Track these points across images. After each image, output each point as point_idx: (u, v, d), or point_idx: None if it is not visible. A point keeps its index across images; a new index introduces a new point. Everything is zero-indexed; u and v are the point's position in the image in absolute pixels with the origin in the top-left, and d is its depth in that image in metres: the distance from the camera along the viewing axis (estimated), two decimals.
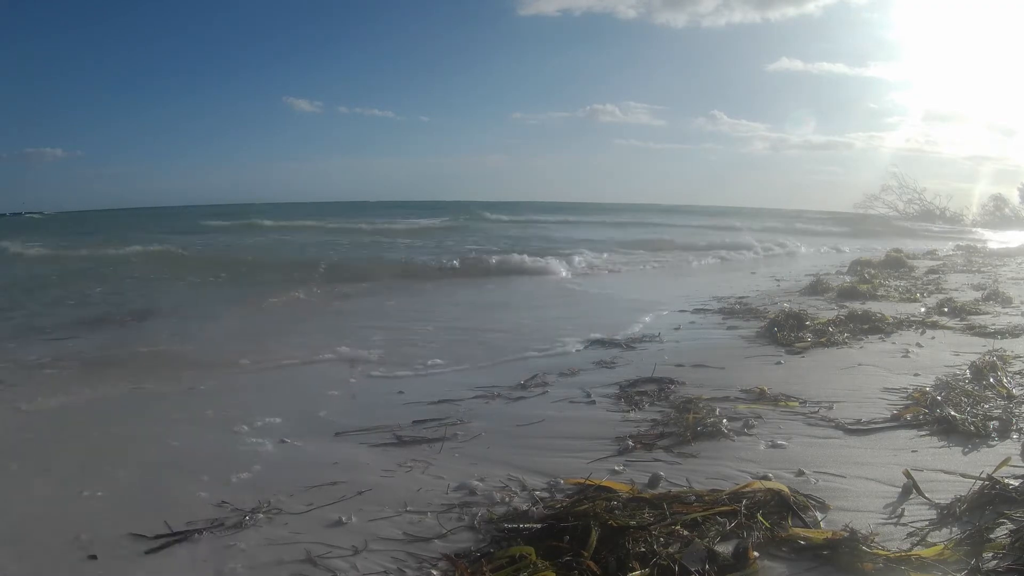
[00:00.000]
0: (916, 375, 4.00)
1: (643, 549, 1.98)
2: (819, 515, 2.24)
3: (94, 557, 2.21)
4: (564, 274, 11.67)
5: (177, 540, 2.28)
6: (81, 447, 3.32)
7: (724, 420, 3.24)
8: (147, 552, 2.22)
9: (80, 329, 6.60)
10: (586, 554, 1.95)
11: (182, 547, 2.24)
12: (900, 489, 2.41)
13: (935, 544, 1.99)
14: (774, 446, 2.94)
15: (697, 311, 7.01)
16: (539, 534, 2.12)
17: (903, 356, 4.54)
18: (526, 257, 12.55)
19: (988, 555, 1.91)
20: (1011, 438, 2.88)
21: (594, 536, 2.02)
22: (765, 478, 2.53)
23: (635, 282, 11.07)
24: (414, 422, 3.51)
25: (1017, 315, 6.06)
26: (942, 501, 2.28)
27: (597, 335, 5.57)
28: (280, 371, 4.84)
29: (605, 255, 14.37)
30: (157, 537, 2.30)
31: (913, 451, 2.82)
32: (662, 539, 2.03)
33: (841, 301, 7.29)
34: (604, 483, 2.52)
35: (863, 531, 2.06)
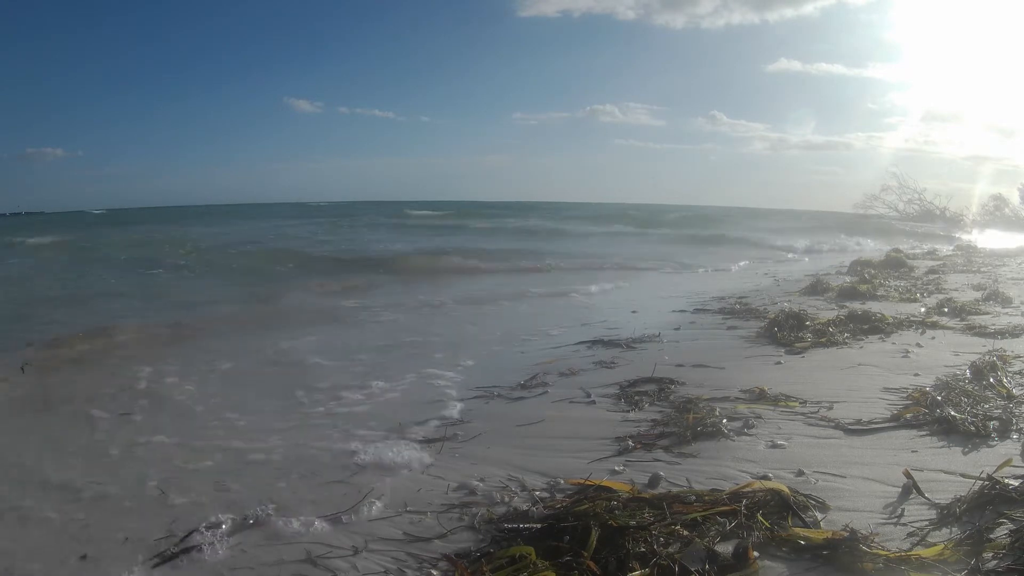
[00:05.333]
0: (916, 375, 4.00)
1: (643, 549, 1.98)
2: (819, 515, 2.24)
3: (84, 557, 2.21)
4: None
5: (177, 540, 2.28)
6: (80, 447, 3.32)
7: (724, 420, 3.24)
8: (148, 554, 2.22)
9: None
10: (586, 554, 1.95)
11: (183, 547, 2.24)
12: (900, 489, 2.41)
13: (935, 544, 1.99)
14: (774, 446, 2.94)
15: (697, 311, 7.01)
16: (539, 534, 2.12)
17: (903, 356, 4.54)
18: None
19: (988, 555, 1.91)
20: (1011, 438, 2.88)
21: (594, 536, 2.02)
22: (765, 478, 2.53)
23: None
24: (415, 422, 3.51)
25: (1017, 315, 6.05)
26: (942, 501, 2.28)
27: (597, 335, 5.58)
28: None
29: None
30: (157, 540, 2.30)
31: (913, 451, 2.82)
32: (662, 539, 2.04)
33: (841, 301, 7.28)
34: (604, 483, 2.52)
35: (863, 531, 2.06)
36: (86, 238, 22.17)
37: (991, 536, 2.00)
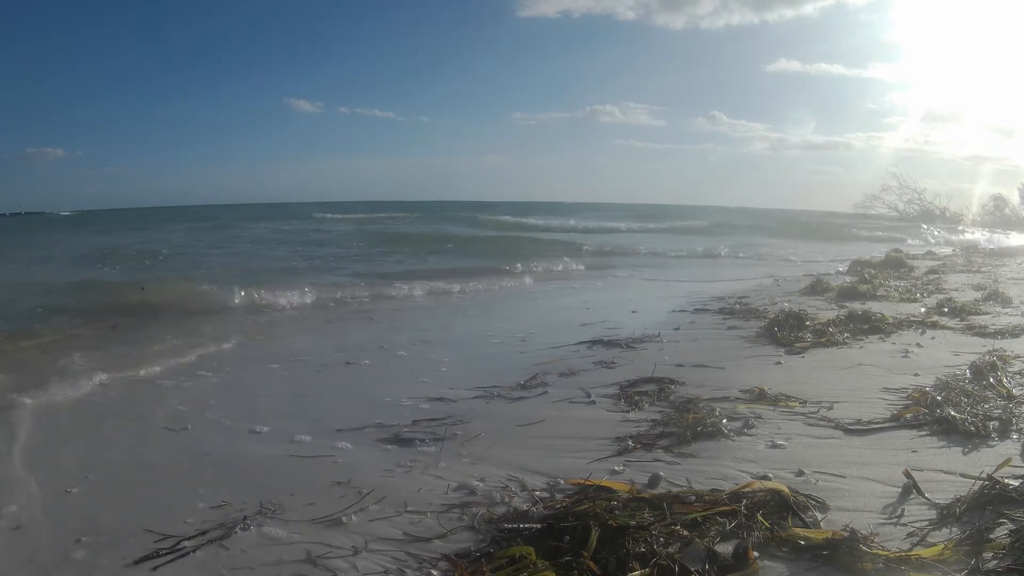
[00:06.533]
0: (916, 375, 4.00)
1: (643, 549, 1.98)
2: (819, 515, 2.24)
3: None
4: None
5: (177, 540, 2.28)
6: (83, 444, 3.32)
7: (724, 420, 3.24)
8: (147, 553, 2.22)
9: None
10: (586, 554, 1.95)
11: (183, 547, 2.24)
12: (900, 489, 2.41)
13: (935, 544, 1.99)
14: (774, 446, 2.94)
15: (697, 311, 7.01)
16: (539, 534, 2.12)
17: (903, 356, 4.54)
18: None
19: (988, 555, 1.91)
20: (1011, 438, 2.88)
21: (594, 536, 2.01)
22: (765, 478, 2.53)
23: None
24: (414, 422, 3.51)
25: (1017, 315, 6.06)
26: (942, 501, 2.28)
27: (597, 335, 5.59)
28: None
29: None
30: (158, 540, 2.30)
31: (913, 451, 2.82)
32: (662, 539, 2.03)
33: (841, 301, 7.29)
34: (604, 483, 2.52)
35: (863, 531, 2.06)
36: None
37: (991, 536, 2.00)
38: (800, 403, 3.53)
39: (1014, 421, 3.02)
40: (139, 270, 12.68)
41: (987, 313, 6.18)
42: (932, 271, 10.51)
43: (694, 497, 2.35)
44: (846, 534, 2.03)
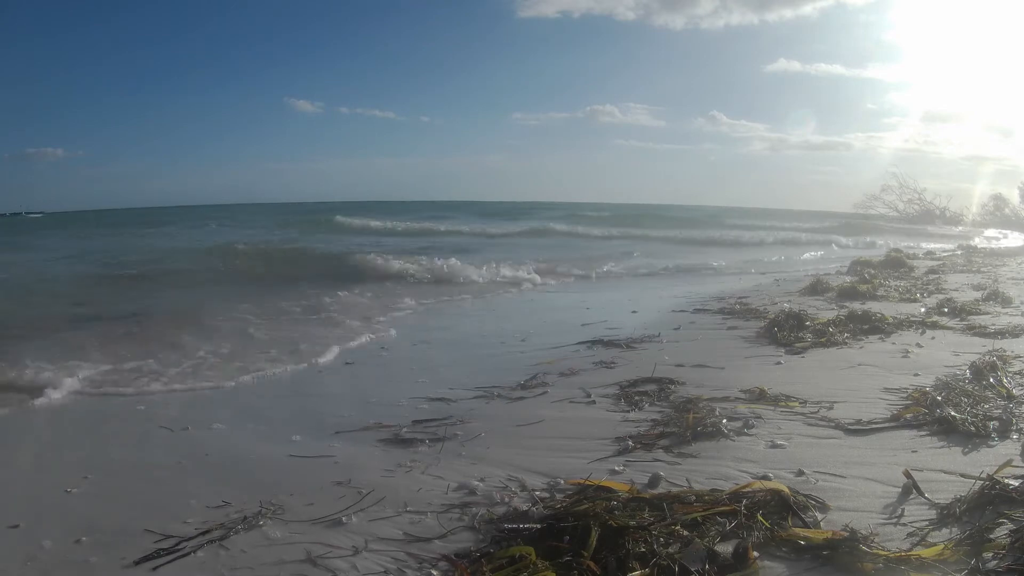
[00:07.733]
0: (916, 375, 3.99)
1: (643, 549, 1.98)
2: (819, 515, 2.24)
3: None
4: None
5: (178, 541, 2.28)
6: (84, 443, 3.32)
7: (724, 420, 3.23)
8: (147, 553, 2.22)
9: None
10: (586, 554, 1.95)
11: (183, 547, 2.24)
12: (900, 489, 2.41)
13: (935, 544, 1.99)
14: (774, 446, 2.94)
15: (697, 311, 7.01)
16: (539, 534, 2.12)
17: (903, 356, 4.54)
18: None
19: (988, 555, 1.91)
20: (1011, 438, 2.88)
21: (594, 536, 2.01)
22: (765, 478, 2.52)
23: None
24: (414, 422, 3.51)
25: (1017, 315, 6.05)
26: (942, 501, 2.28)
27: (597, 335, 5.58)
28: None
29: None
30: (158, 540, 2.30)
31: (913, 451, 2.82)
32: (662, 539, 2.03)
33: (841, 301, 7.28)
34: (604, 483, 2.52)
35: (863, 531, 2.06)
36: None
37: (991, 536, 1.99)
38: (800, 403, 3.52)
39: (1014, 421, 3.02)
40: None
41: (987, 313, 6.17)
42: (932, 271, 10.51)
43: (694, 497, 2.35)
44: (846, 534, 2.03)
